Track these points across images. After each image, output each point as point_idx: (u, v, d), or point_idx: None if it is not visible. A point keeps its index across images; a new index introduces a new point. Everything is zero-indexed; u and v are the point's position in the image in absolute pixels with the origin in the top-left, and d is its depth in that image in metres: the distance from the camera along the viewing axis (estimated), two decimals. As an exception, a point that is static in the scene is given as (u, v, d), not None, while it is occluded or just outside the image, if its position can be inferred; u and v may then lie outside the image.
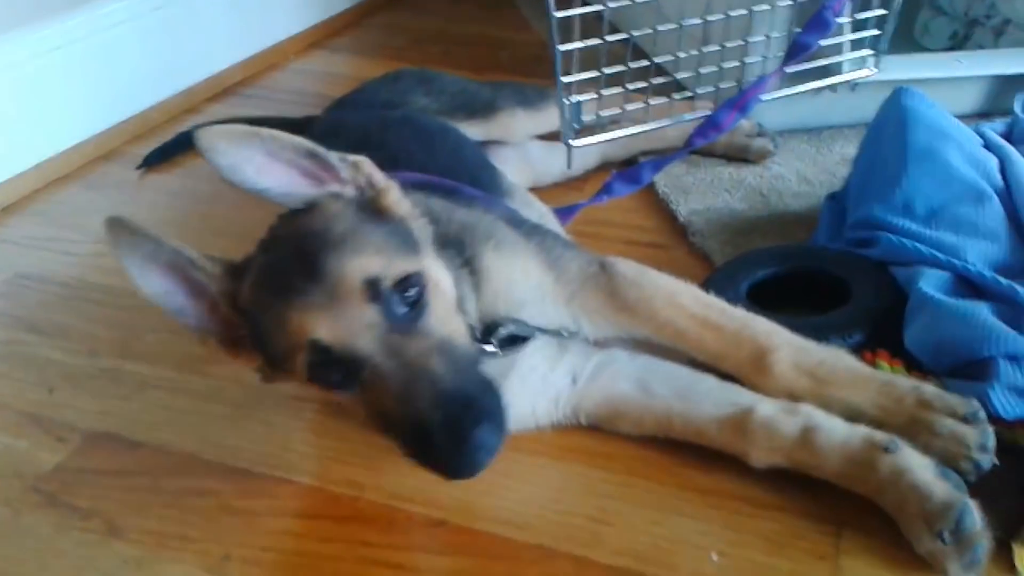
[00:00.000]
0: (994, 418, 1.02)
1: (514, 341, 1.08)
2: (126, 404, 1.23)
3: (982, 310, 1.07)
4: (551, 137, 1.71)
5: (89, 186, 1.85)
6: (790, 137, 1.83)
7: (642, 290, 1.13)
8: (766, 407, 1.05)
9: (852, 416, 1.04)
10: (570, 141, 1.61)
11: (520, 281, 1.11)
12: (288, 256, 0.92)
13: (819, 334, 1.13)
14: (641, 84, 1.60)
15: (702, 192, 1.66)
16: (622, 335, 1.15)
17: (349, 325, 0.88)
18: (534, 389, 1.13)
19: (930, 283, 1.14)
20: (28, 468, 1.14)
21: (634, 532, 1.02)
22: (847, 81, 1.73)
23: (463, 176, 1.30)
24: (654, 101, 1.63)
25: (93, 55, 1.93)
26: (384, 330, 0.89)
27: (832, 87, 1.75)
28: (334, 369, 0.90)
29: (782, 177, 1.69)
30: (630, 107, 1.62)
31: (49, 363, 1.32)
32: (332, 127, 1.51)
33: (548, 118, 1.69)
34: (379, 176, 0.99)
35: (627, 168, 1.59)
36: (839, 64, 1.72)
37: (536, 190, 1.61)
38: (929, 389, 1.03)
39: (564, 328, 1.13)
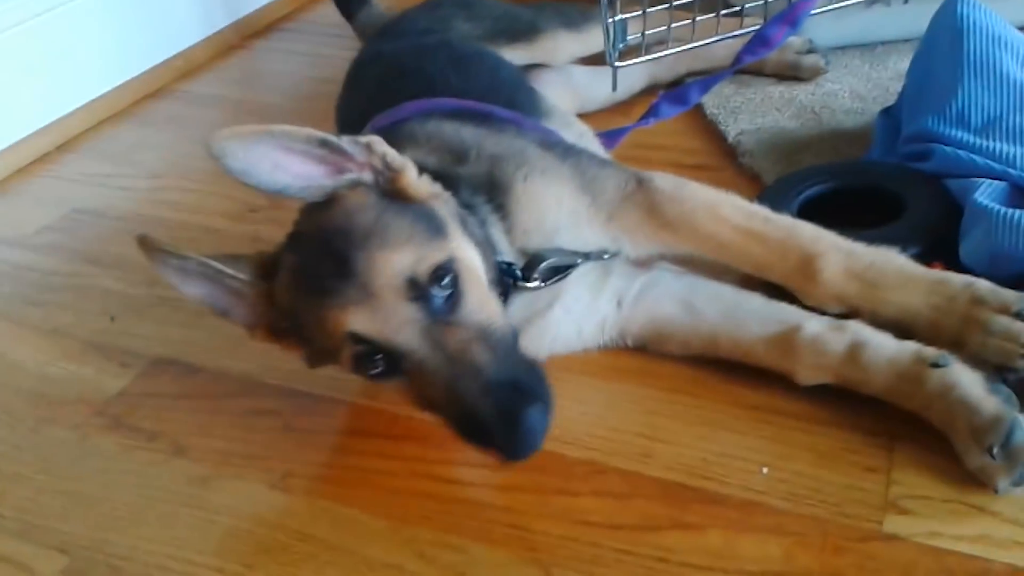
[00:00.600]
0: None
1: (557, 271, 1.08)
2: (186, 331, 1.26)
3: (1040, 220, 1.05)
4: (596, 61, 1.69)
5: (140, 123, 1.87)
6: (842, 53, 1.78)
7: (682, 204, 1.12)
8: (813, 324, 1.05)
9: (906, 317, 1.03)
10: (615, 62, 1.59)
11: (553, 209, 1.10)
12: (317, 255, 0.93)
13: (873, 248, 1.12)
14: (687, 0, 1.57)
15: (751, 112, 1.63)
16: (665, 253, 1.14)
17: (388, 320, 0.89)
18: (579, 316, 1.14)
19: (986, 194, 1.12)
20: (93, 394, 1.18)
21: (683, 447, 1.03)
22: (900, -8, 1.68)
23: (500, 99, 1.29)
24: (700, 18, 1.60)
25: (139, -7, 1.95)
26: (424, 323, 0.90)
27: None
28: (377, 360, 0.91)
29: (834, 94, 1.65)
30: (676, 25, 1.59)
31: (109, 293, 1.36)
32: (371, 57, 1.51)
33: (592, 39, 1.67)
34: (393, 155, 0.97)
35: (674, 89, 1.57)
36: (892, -25, 1.67)
37: (583, 116, 1.59)
38: (983, 284, 1.01)
39: (605, 251, 1.12)
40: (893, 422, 1.01)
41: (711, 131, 1.61)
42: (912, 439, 0.99)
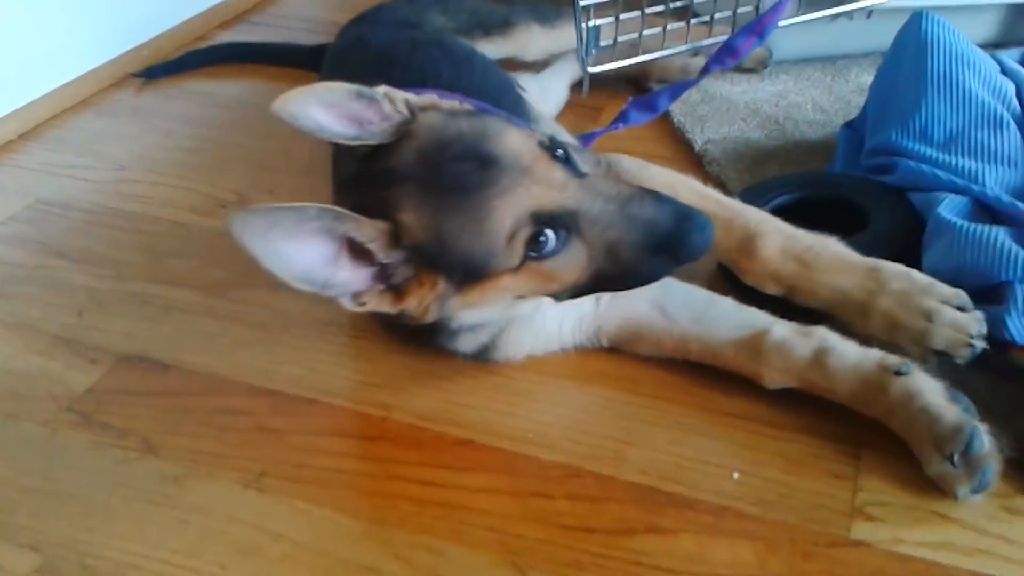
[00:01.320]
0: (1010, 343, 1.04)
1: None
2: (155, 327, 1.25)
3: (1000, 235, 1.09)
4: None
5: (103, 113, 1.84)
6: (806, 66, 1.82)
7: (642, 182, 1.12)
8: (781, 329, 1.07)
9: (838, 299, 1.08)
10: (587, 67, 1.61)
11: None
12: (445, 167, 0.92)
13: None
14: (659, 8, 1.59)
15: (718, 121, 1.66)
16: None
17: (553, 186, 0.92)
18: (561, 312, 1.15)
19: (948, 208, 1.15)
20: (62, 389, 1.16)
21: (657, 452, 1.04)
22: (864, 7, 1.72)
23: (490, 100, 1.30)
24: (671, 27, 1.62)
25: (104, -20, 1.92)
26: (576, 180, 0.94)
27: (848, 14, 1.74)
28: (546, 237, 0.92)
29: (798, 106, 1.69)
30: (647, 32, 1.61)
31: (76, 287, 1.34)
32: (354, 45, 1.51)
33: (563, 35, 1.70)
34: (414, 97, 1.00)
35: (643, 96, 1.59)
36: (857, -10, 1.71)
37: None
38: (919, 276, 1.06)
39: None
40: (860, 429, 1.04)
41: (679, 139, 1.64)
42: (878, 447, 1.03)
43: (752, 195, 1.32)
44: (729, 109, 1.69)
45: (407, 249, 0.92)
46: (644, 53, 1.68)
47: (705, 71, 1.60)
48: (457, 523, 0.97)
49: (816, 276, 1.09)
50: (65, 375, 1.18)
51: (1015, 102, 1.31)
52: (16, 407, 1.13)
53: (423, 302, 0.96)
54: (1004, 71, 1.36)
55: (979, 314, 1.02)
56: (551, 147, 0.95)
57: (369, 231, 0.90)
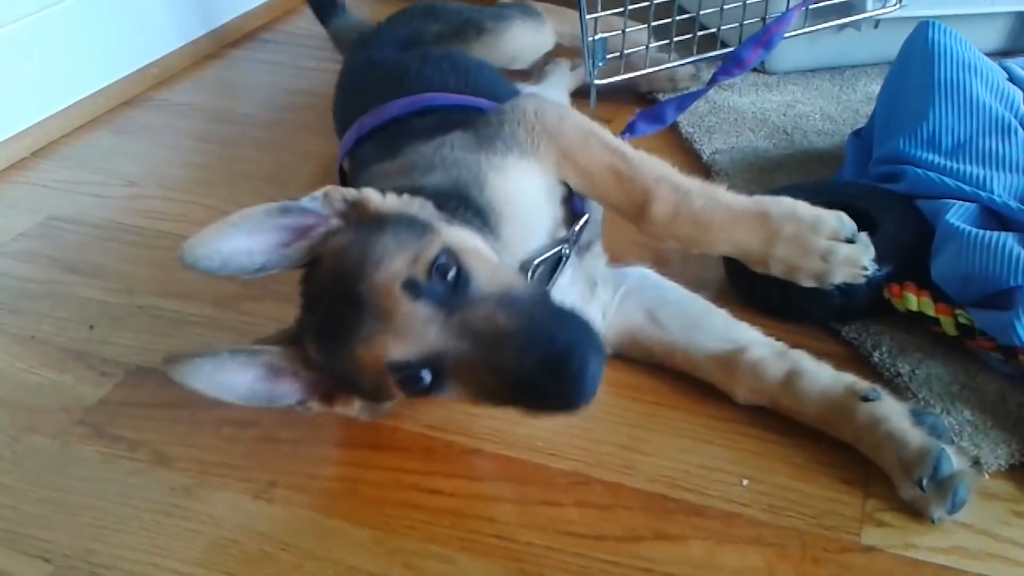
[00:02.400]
0: (1019, 348, 1.04)
1: (550, 269, 1.10)
2: (166, 340, 1.26)
3: (1008, 241, 1.08)
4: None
5: (116, 131, 1.86)
6: (813, 76, 1.83)
7: (558, 134, 1.14)
8: (758, 349, 1.09)
9: (740, 253, 1.12)
10: (594, 80, 1.62)
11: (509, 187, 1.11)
12: (329, 306, 0.93)
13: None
14: (665, 21, 1.60)
15: (725, 131, 1.66)
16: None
17: (410, 332, 0.89)
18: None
19: (956, 215, 1.15)
20: (73, 402, 1.17)
21: (665, 460, 1.05)
22: (871, 18, 1.73)
23: (492, 97, 1.33)
24: (677, 39, 1.63)
25: (114, 1, 1.93)
26: (443, 318, 0.89)
27: (855, 24, 1.74)
28: (424, 375, 0.91)
29: (806, 116, 1.69)
30: (654, 45, 1.62)
31: (88, 301, 1.35)
32: (365, 67, 1.54)
33: (551, 31, 1.75)
34: (350, 192, 0.97)
35: (650, 107, 1.59)
36: (863, 1, 1.72)
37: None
38: (803, 211, 1.09)
39: (576, 228, 1.14)
40: (869, 436, 1.04)
41: (687, 149, 1.64)
42: (887, 453, 1.02)
43: (760, 204, 1.32)
44: (737, 119, 1.70)
45: (318, 369, 0.98)
46: (651, 65, 1.69)
47: (712, 82, 1.60)
48: (466, 531, 0.97)
49: (712, 235, 1.11)
50: (76, 388, 1.19)
51: (1023, 109, 1.31)
52: (28, 420, 1.14)
53: (352, 411, 1.02)
54: (1011, 78, 1.37)
55: (865, 239, 1.10)
56: (425, 279, 0.90)
57: (286, 360, 0.98)
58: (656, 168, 1.13)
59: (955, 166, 1.23)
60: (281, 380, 0.99)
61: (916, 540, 0.94)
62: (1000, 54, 1.74)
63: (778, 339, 1.17)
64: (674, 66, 1.71)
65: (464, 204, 1.06)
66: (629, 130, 1.54)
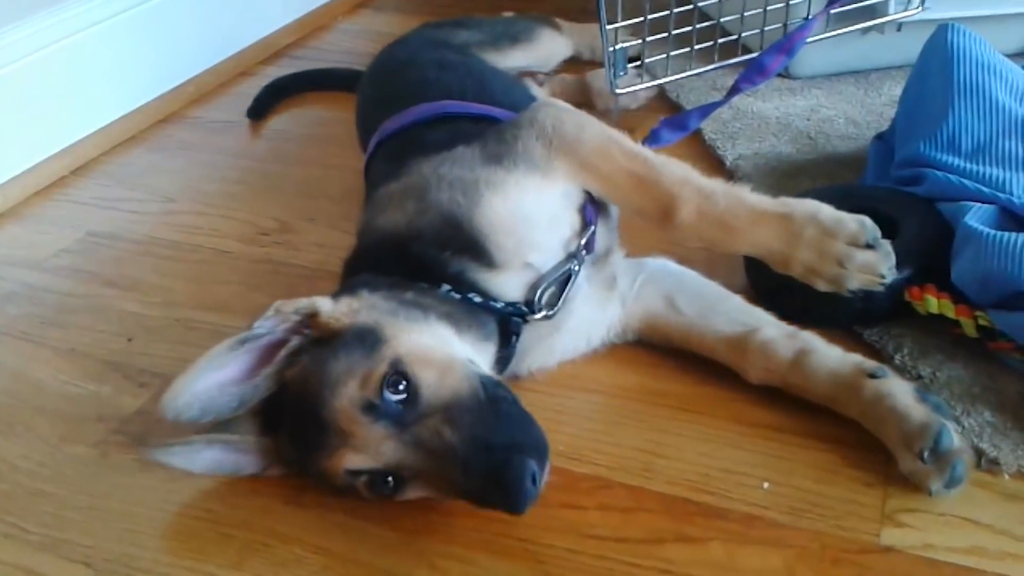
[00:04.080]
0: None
1: (559, 289, 1.13)
2: (202, 351, 1.27)
3: (1027, 242, 1.09)
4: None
5: (152, 148, 1.91)
6: (837, 80, 1.84)
7: (578, 145, 1.15)
8: (769, 330, 1.13)
9: (762, 252, 1.13)
10: (616, 89, 1.64)
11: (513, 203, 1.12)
12: (297, 423, 0.98)
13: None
14: (686, 29, 1.61)
15: (749, 137, 1.67)
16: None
17: (368, 449, 0.93)
18: (588, 328, 1.19)
19: (976, 217, 1.16)
20: (112, 412, 1.21)
21: (686, 463, 1.06)
22: (893, 21, 1.73)
23: (508, 104, 1.36)
24: (698, 47, 1.65)
25: (149, 21, 1.99)
26: (398, 434, 0.93)
27: (879, 28, 1.75)
28: (386, 482, 0.96)
29: (830, 120, 1.70)
30: (674, 53, 1.64)
31: (126, 314, 1.39)
32: (390, 66, 1.59)
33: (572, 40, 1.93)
34: (300, 305, 1.00)
35: (674, 115, 1.61)
36: (885, 4, 1.72)
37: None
38: (826, 214, 1.10)
39: (581, 246, 1.15)
40: (889, 438, 1.05)
41: (710, 156, 1.65)
42: (907, 454, 1.03)
43: (782, 209, 1.33)
44: (760, 125, 1.71)
45: (287, 458, 1.04)
46: (672, 73, 1.70)
47: (734, 90, 1.61)
48: (489, 534, 1.00)
49: (736, 237, 1.13)
50: (115, 398, 1.23)
51: (1044, 110, 1.31)
52: (68, 430, 1.18)
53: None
54: (1033, 80, 1.37)
55: (887, 246, 1.09)
56: (379, 398, 0.93)
57: (259, 450, 1.05)
58: (679, 171, 1.15)
59: (975, 168, 1.24)
60: (248, 456, 1.05)
61: (935, 540, 0.94)
62: (1021, 55, 1.74)
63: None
64: (696, 73, 1.72)
65: (452, 238, 1.09)
66: (653, 138, 1.56)
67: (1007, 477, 1.00)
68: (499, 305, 1.08)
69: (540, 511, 1.00)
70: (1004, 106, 1.28)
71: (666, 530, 0.99)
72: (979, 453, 1.01)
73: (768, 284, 1.24)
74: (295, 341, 1.00)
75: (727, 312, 1.17)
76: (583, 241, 1.16)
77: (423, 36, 1.70)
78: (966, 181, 1.22)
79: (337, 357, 0.96)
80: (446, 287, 1.07)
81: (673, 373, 1.18)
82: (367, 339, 0.97)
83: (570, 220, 1.16)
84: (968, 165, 1.25)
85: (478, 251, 1.09)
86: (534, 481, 0.89)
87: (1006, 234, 1.10)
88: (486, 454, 0.90)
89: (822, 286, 1.10)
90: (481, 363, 1.04)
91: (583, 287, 1.16)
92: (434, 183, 1.13)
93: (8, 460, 1.14)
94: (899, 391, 1.02)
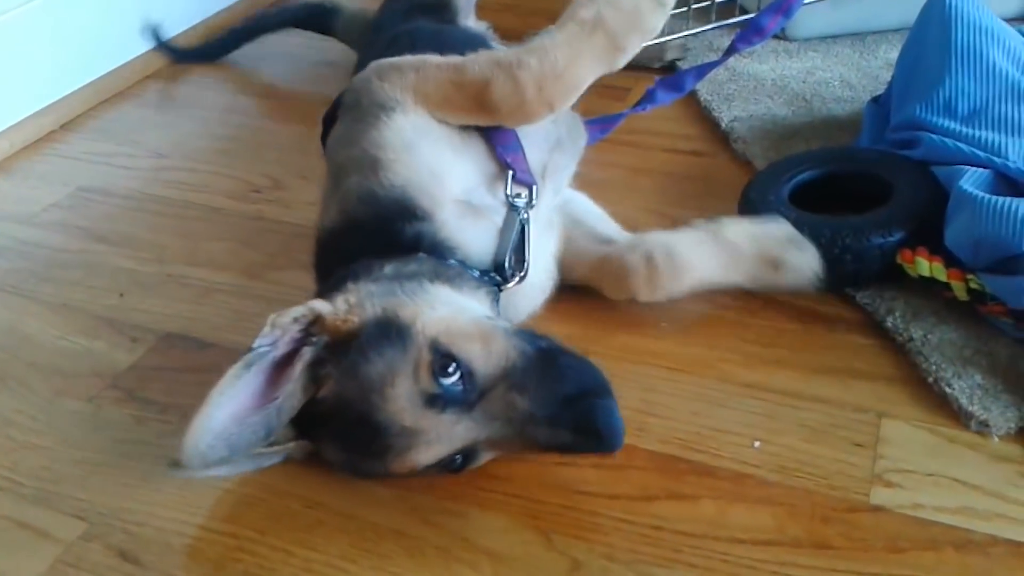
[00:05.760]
0: (1031, 312, 1.06)
1: (518, 250, 1.12)
2: (195, 307, 1.30)
3: (1021, 207, 1.09)
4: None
5: (142, 103, 1.90)
6: (833, 43, 1.83)
7: (405, 71, 1.15)
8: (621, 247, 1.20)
9: (607, 68, 1.13)
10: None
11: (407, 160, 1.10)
12: (347, 433, 0.94)
13: (860, 233, 1.17)
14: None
15: (744, 99, 1.67)
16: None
17: (440, 440, 0.90)
18: (545, 264, 1.21)
19: (970, 181, 1.16)
20: (106, 367, 1.20)
21: (677, 422, 1.07)
22: (891, -17, 1.72)
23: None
24: (696, 5, 1.63)
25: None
26: (466, 415, 0.91)
27: (876, -10, 1.74)
28: (454, 461, 0.94)
29: (825, 83, 1.69)
30: (672, 12, 1.62)
31: (118, 270, 1.39)
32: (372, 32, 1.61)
33: None
34: (297, 313, 0.93)
35: (669, 76, 1.60)
36: (884, -34, 1.71)
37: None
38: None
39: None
40: (881, 399, 1.07)
41: (705, 117, 1.65)
42: (899, 416, 1.05)
43: (777, 171, 1.34)
44: (756, 87, 1.70)
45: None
46: (669, 33, 1.69)
47: (731, 51, 1.60)
48: (482, 490, 1.00)
49: (570, 74, 1.11)
50: (108, 354, 1.23)
51: (1041, 74, 1.31)
52: (63, 384, 1.18)
53: None
54: (1030, 45, 1.36)
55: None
56: (437, 387, 0.89)
57: (298, 453, 1.00)
58: (481, 58, 1.13)
59: (971, 132, 1.24)
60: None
61: (924, 500, 0.95)
62: (1020, 19, 1.73)
63: (793, 305, 1.20)
64: (692, 33, 1.71)
65: (385, 208, 1.07)
66: (648, 99, 1.55)
67: (996, 439, 1.01)
68: (475, 274, 1.07)
69: (534, 467, 1.01)
70: (1001, 70, 1.27)
71: (658, 487, 0.99)
72: (969, 415, 1.02)
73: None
74: (308, 352, 0.93)
75: (593, 232, 1.24)
76: (508, 182, 1.14)
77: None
78: (961, 145, 1.22)
79: (369, 359, 0.91)
80: (421, 254, 1.04)
81: (665, 333, 1.19)
82: (389, 331, 0.92)
83: (473, 148, 1.15)
84: (964, 129, 1.25)
85: (410, 207, 1.07)
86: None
87: (1000, 198, 1.11)
88: (567, 409, 0.89)
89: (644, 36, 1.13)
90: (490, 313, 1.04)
91: (543, 227, 1.17)
92: (339, 172, 1.14)
93: (1, 414, 1.14)
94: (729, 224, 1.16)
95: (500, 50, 1.14)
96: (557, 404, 0.90)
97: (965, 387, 1.05)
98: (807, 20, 1.78)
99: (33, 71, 1.78)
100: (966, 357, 1.09)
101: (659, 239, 1.18)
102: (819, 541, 0.93)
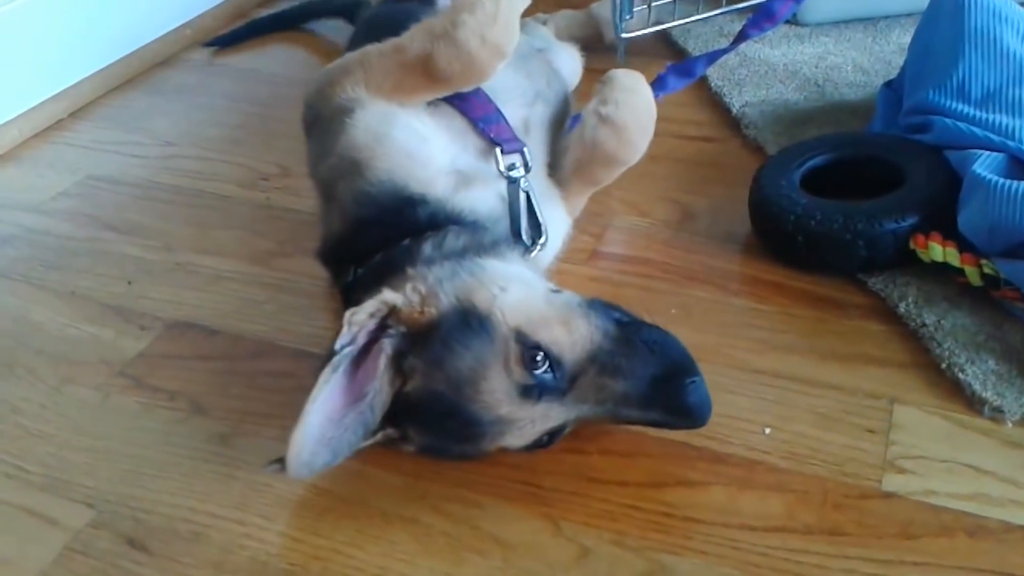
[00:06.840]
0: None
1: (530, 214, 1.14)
2: (203, 295, 1.29)
3: (1036, 191, 1.08)
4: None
5: (151, 91, 1.89)
6: (846, 27, 1.81)
7: (352, 67, 1.16)
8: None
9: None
10: (622, 33, 1.61)
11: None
12: (441, 423, 0.93)
13: (872, 218, 1.15)
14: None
15: (755, 84, 1.65)
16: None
17: (535, 425, 0.93)
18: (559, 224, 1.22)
19: (984, 165, 1.14)
20: (114, 355, 1.20)
21: (688, 409, 1.06)
22: (904, -33, 1.70)
23: None
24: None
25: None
26: (560, 401, 0.92)
27: (889, -26, 1.72)
28: (541, 440, 0.95)
29: (838, 67, 1.68)
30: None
31: (126, 258, 1.38)
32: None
33: None
34: (372, 306, 0.92)
35: (680, 62, 1.59)
36: (896, -51, 1.69)
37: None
38: None
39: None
40: (893, 385, 1.06)
41: (716, 103, 1.64)
42: (912, 402, 1.04)
43: (789, 156, 1.33)
44: (767, 72, 1.69)
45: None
46: (680, 18, 1.68)
47: (742, 36, 1.59)
48: (492, 478, 1.00)
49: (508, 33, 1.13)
50: (116, 341, 1.23)
51: (1055, 58, 1.29)
52: (71, 372, 1.18)
53: None
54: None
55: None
56: (530, 378, 0.90)
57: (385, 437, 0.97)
58: (417, 32, 1.14)
59: (984, 116, 1.22)
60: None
61: (937, 487, 0.95)
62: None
63: (804, 291, 1.19)
64: (703, 18, 1.70)
65: (386, 203, 1.07)
66: (660, 85, 1.54)
67: (1010, 425, 1.00)
68: (507, 239, 1.09)
69: (544, 455, 1.00)
70: (1015, 53, 1.26)
71: (667, 474, 0.99)
72: (983, 401, 1.01)
73: (774, 234, 1.24)
74: (388, 345, 0.93)
75: None
76: (520, 161, 1.14)
77: None
78: (975, 129, 1.21)
79: (455, 352, 0.91)
80: (452, 226, 1.04)
81: (675, 319, 1.17)
82: (470, 320, 0.92)
83: (445, 118, 1.15)
84: (977, 113, 1.23)
85: (406, 194, 1.06)
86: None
87: (1015, 183, 1.09)
88: (658, 389, 0.92)
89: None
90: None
91: (543, 191, 1.18)
92: (327, 186, 1.14)
93: (9, 401, 1.14)
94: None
95: (431, 19, 1.13)
96: (649, 385, 0.92)
97: (978, 373, 1.04)
98: (819, 5, 1.76)
99: (42, 59, 1.77)
100: (979, 343, 1.08)
101: None
102: (831, 528, 0.92)
